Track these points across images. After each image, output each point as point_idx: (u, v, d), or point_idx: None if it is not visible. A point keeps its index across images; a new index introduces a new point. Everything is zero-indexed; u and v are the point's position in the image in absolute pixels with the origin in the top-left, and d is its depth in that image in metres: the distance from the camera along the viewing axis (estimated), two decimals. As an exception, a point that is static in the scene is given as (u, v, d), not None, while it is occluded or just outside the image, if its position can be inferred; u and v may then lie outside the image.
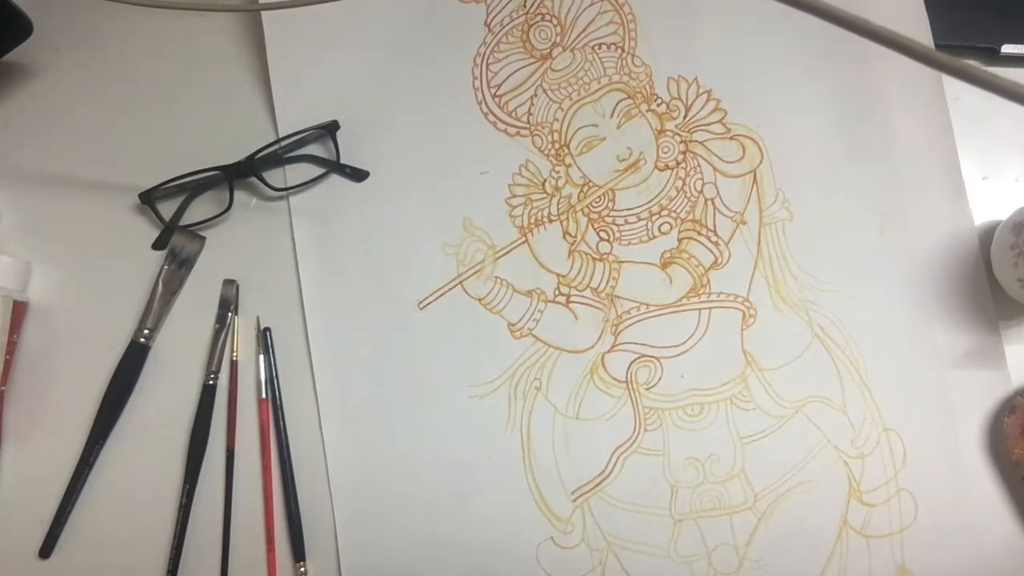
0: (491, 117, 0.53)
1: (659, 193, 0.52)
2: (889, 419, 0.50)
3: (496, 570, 0.48)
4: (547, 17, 0.54)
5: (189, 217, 0.52)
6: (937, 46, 0.54)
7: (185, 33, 0.55)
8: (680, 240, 0.52)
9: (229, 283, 0.51)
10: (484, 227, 0.52)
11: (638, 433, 0.50)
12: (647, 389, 0.50)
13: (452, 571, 0.48)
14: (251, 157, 0.50)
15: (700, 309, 0.51)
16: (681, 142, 0.53)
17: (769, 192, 0.52)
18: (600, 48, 0.54)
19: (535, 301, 0.51)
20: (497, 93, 0.53)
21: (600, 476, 0.49)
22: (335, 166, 0.52)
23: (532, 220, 0.52)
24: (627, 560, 0.48)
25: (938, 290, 0.51)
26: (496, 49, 0.54)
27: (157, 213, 0.51)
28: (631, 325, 0.51)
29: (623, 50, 0.54)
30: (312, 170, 0.52)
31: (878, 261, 0.52)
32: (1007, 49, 0.55)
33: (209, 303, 0.51)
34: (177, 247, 0.51)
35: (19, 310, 0.49)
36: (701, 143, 0.53)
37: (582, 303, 0.51)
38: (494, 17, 0.54)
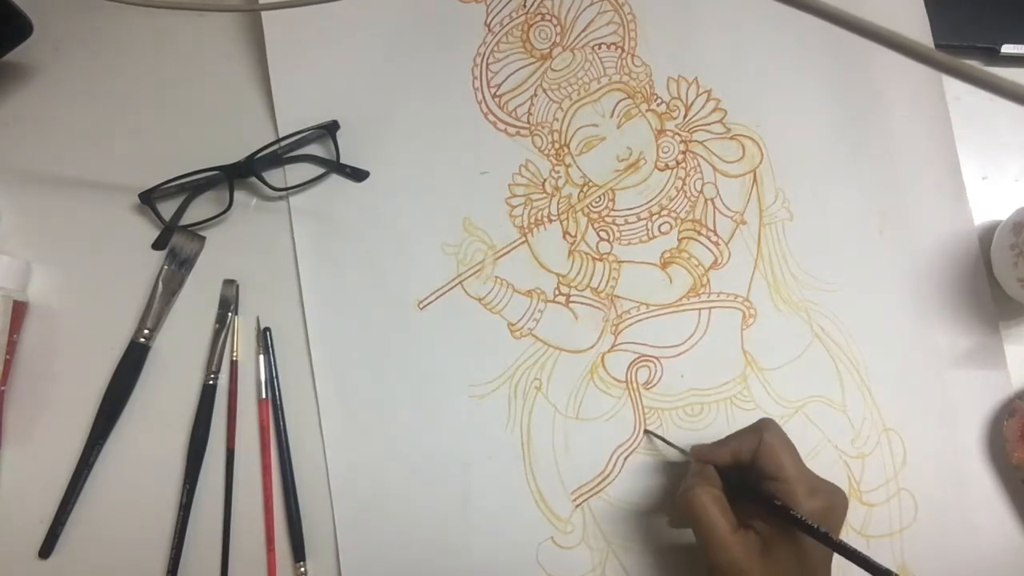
0: (491, 117, 0.53)
1: (659, 193, 0.52)
2: (889, 419, 0.50)
3: (496, 570, 0.48)
4: (547, 17, 0.54)
5: (189, 217, 0.52)
6: (937, 46, 0.54)
7: (185, 33, 0.55)
8: (680, 240, 0.52)
9: (229, 283, 0.51)
10: (484, 227, 0.52)
11: (638, 433, 0.50)
12: (647, 389, 0.50)
13: (452, 571, 0.48)
14: (251, 157, 0.50)
15: (700, 309, 0.51)
16: (681, 142, 0.53)
17: (769, 192, 0.52)
18: (600, 48, 0.54)
19: (535, 301, 0.51)
20: (497, 93, 0.53)
21: (600, 476, 0.49)
22: (335, 166, 0.52)
23: (532, 220, 0.52)
24: (627, 560, 0.48)
25: (938, 290, 0.51)
26: (496, 49, 0.54)
27: (157, 213, 0.51)
28: (631, 325, 0.51)
29: (623, 50, 0.54)
30: (312, 170, 0.52)
31: (878, 261, 0.52)
32: (1007, 49, 0.55)
33: (209, 303, 0.51)
34: (177, 247, 0.51)
35: (19, 310, 0.49)
36: (701, 143, 0.53)
37: (582, 303, 0.51)
38: (494, 17, 0.54)
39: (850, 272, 0.51)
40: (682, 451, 0.48)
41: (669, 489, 0.49)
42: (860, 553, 0.37)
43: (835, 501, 0.41)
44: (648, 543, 0.48)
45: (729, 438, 0.44)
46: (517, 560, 0.48)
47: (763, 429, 0.43)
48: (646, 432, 0.49)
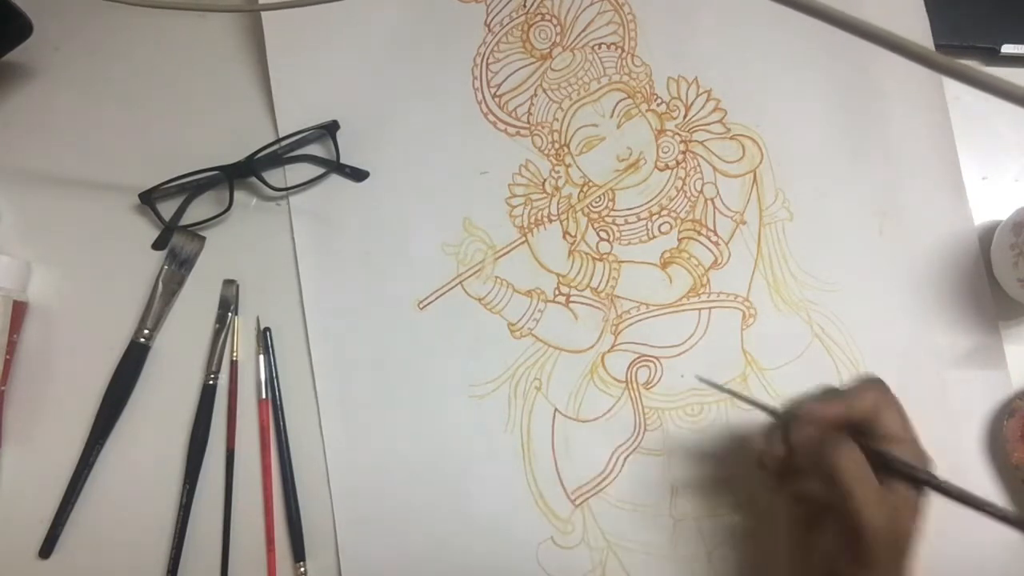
0: (491, 117, 0.53)
1: (659, 193, 0.52)
2: (889, 419, 0.50)
3: (496, 570, 0.48)
4: (547, 17, 0.54)
5: (189, 217, 0.52)
6: (937, 46, 0.54)
7: (185, 33, 0.55)
8: (680, 240, 0.52)
9: (229, 283, 0.51)
10: (484, 227, 0.52)
11: (639, 433, 0.50)
12: (647, 389, 0.50)
13: (452, 571, 0.48)
14: (251, 157, 0.50)
15: (700, 309, 0.51)
16: (681, 142, 0.53)
17: (769, 192, 0.52)
18: (600, 48, 0.54)
19: (535, 301, 0.51)
20: (497, 93, 0.53)
21: (600, 476, 0.49)
22: (335, 166, 0.52)
23: (532, 220, 0.52)
24: (627, 560, 0.48)
25: (938, 290, 0.51)
26: (496, 49, 0.54)
27: (157, 213, 0.51)
28: (631, 325, 0.51)
29: (623, 50, 0.54)
30: (312, 170, 0.52)
31: (878, 261, 0.52)
32: (1007, 49, 0.55)
33: (209, 303, 0.51)
34: (177, 247, 0.51)
35: (19, 310, 0.49)
36: (701, 143, 0.53)
37: (582, 303, 0.51)
38: (494, 17, 0.54)
39: (850, 272, 0.51)
40: (771, 410, 0.44)
41: (668, 488, 0.49)
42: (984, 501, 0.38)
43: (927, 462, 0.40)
44: (648, 543, 0.48)
45: (839, 396, 0.41)
46: (517, 560, 0.48)
47: (879, 386, 0.40)
48: (729, 391, 0.47)
